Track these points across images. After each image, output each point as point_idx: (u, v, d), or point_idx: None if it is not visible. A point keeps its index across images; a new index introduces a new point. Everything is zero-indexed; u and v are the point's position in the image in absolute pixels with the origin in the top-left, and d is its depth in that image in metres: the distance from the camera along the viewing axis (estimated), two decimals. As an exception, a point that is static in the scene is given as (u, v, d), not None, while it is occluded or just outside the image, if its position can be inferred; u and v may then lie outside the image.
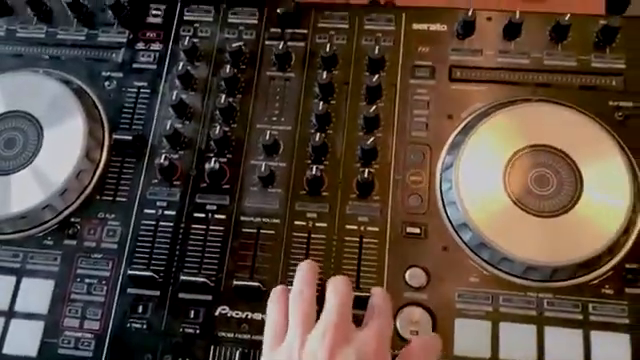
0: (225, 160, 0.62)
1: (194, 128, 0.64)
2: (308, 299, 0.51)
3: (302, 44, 0.67)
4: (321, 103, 0.62)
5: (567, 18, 0.62)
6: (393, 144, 0.62)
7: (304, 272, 0.54)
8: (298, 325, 0.49)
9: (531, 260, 0.54)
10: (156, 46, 0.68)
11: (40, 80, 0.65)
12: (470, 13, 0.64)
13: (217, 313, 0.57)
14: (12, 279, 0.59)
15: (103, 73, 0.67)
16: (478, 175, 0.58)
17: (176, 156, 0.63)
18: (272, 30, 0.68)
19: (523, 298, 0.55)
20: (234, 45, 0.65)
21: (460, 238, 0.57)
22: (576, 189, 0.57)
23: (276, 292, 0.54)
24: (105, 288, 0.58)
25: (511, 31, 0.64)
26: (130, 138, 0.62)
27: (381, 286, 0.56)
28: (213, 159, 0.61)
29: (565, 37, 0.64)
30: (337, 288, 0.51)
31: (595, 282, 0.55)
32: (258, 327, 0.56)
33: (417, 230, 0.58)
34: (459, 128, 0.61)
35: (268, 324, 0.52)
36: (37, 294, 0.59)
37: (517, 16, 0.63)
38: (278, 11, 0.67)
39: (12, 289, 0.59)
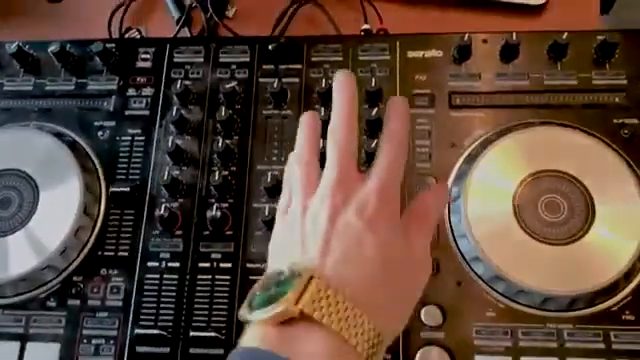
0: (227, 205, 0.61)
1: (192, 174, 0.62)
2: (306, 160, 0.47)
3: (297, 80, 0.65)
4: (321, 140, 0.61)
5: (565, 37, 0.61)
6: (397, 178, 0.60)
7: (303, 128, 0.49)
8: (299, 192, 0.46)
9: (548, 290, 0.53)
10: (147, 91, 0.66)
11: (32, 135, 0.64)
12: (466, 37, 0.63)
13: (230, 367, 0.55)
14: (16, 345, 0.57)
15: (95, 123, 0.65)
16: (487, 206, 0.57)
17: (176, 204, 0.61)
18: (265, 67, 0.66)
19: (542, 330, 0.54)
20: (227, 86, 0.64)
21: (474, 272, 0.56)
22: (588, 214, 0.55)
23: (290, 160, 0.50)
24: (113, 348, 0.57)
25: (508, 53, 0.63)
26: (128, 190, 0.61)
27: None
28: (215, 206, 0.60)
29: (564, 55, 0.63)
30: (336, 136, 0.46)
31: (615, 309, 0.54)
32: (273, 379, 0.54)
33: (429, 266, 0.57)
34: (463, 157, 0.60)
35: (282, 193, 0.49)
36: (43, 359, 0.57)
37: (514, 37, 0.62)
38: (270, 47, 0.66)
39: (17, 355, 0.57)
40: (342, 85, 0.49)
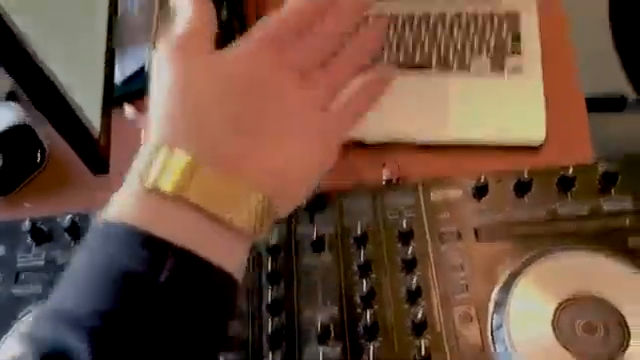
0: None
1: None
2: None
3: (332, 227, 0.71)
4: (364, 281, 0.65)
5: (570, 171, 0.69)
6: (440, 311, 0.64)
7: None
8: None
9: (599, 409, 0.56)
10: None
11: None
12: (482, 178, 0.69)
13: None
14: None
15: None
16: (529, 332, 0.60)
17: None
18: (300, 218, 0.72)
19: None
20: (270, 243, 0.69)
21: (524, 398, 0.58)
22: (623, 329, 0.59)
23: None
24: None
25: (521, 188, 0.70)
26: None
27: None
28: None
29: (572, 186, 0.69)
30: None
31: None
32: None
33: (483, 396, 0.59)
34: (498, 287, 0.64)
35: None
36: None
37: (525, 175, 0.69)
38: (304, 201, 0.72)
39: None
40: None
